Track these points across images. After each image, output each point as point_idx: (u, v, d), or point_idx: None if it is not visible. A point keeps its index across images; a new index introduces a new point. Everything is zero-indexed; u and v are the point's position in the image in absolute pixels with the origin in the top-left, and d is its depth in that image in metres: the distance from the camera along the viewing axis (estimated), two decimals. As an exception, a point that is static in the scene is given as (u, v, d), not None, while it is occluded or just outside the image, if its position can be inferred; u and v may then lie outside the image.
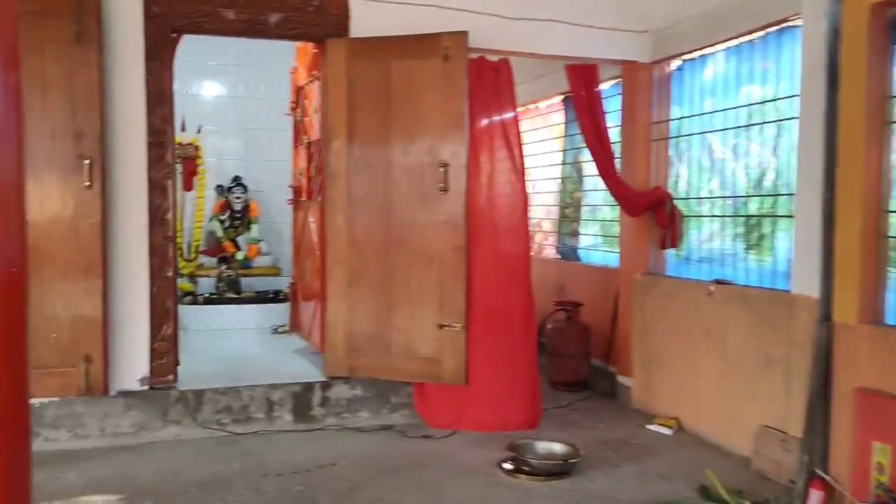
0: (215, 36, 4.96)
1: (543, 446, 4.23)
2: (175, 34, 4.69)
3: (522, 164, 4.92)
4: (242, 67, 8.39)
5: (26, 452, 1.53)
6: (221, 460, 4.27)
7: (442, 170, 4.64)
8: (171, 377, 4.67)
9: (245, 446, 4.50)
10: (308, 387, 4.88)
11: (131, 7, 4.50)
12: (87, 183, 4.28)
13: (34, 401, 4.35)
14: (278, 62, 7.95)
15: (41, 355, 4.29)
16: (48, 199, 4.23)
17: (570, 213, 6.75)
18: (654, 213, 5.29)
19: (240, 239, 7.89)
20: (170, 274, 4.67)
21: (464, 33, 4.63)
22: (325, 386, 4.90)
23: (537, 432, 4.70)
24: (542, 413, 4.87)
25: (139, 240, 4.57)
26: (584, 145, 6.33)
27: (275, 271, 7.78)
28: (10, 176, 1.50)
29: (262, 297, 7.28)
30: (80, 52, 4.27)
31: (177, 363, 4.74)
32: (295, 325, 6.13)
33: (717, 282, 4.69)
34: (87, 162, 4.27)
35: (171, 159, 4.66)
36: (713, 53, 4.97)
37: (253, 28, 4.77)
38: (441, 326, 4.67)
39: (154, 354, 4.64)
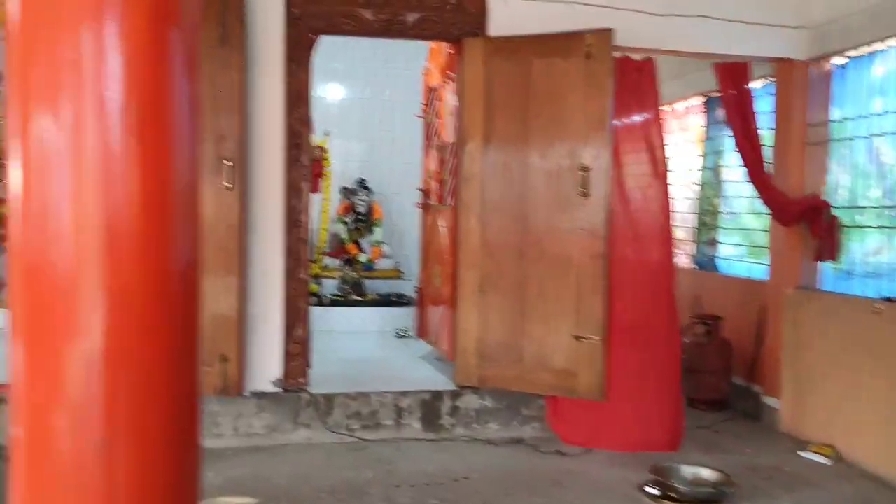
0: (353, 36, 4.92)
1: (690, 471, 3.94)
2: (313, 35, 4.67)
3: (665, 168, 4.64)
4: (368, 70, 8.42)
5: (198, 451, 1.49)
6: (352, 467, 4.20)
7: (582, 173, 4.43)
8: (302, 380, 4.66)
9: (375, 453, 4.42)
10: (437, 395, 4.76)
11: (273, 9, 4.51)
12: (228, 184, 4.31)
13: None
14: (404, 65, 7.94)
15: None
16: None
17: (708, 220, 6.38)
18: (808, 222, 4.89)
19: (363, 241, 7.91)
20: (303, 275, 4.66)
21: (608, 31, 4.40)
22: (455, 395, 4.77)
23: (679, 454, 4.40)
24: (684, 434, 4.56)
25: (274, 241, 4.58)
26: (727, 149, 5.97)
27: (396, 274, 7.75)
28: (191, 179, 1.47)
29: (385, 300, 7.25)
30: (222, 54, 4.30)
31: (308, 366, 4.72)
32: (421, 331, 6.04)
33: (887, 300, 4.27)
34: (228, 164, 4.30)
35: (307, 161, 4.65)
36: (885, 50, 4.53)
37: (390, 28, 4.70)
38: (577, 338, 4.45)
39: (287, 356, 4.63)
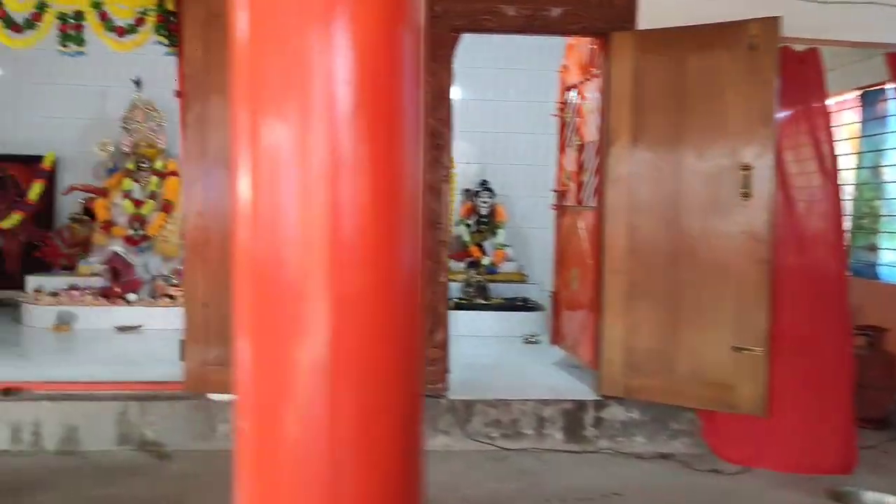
0: (494, 34, 4.80)
1: (874, 498, 3.60)
2: (455, 34, 4.57)
3: (835, 167, 4.29)
4: (489, 70, 8.28)
5: (421, 452, 1.42)
6: (496, 478, 4.07)
7: (744, 173, 4.14)
8: (441, 385, 4.56)
9: (517, 464, 4.27)
10: (580, 405, 4.56)
11: (416, 7, 4.43)
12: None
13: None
14: (530, 63, 7.76)
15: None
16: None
17: (866, 224, 5.92)
18: None
19: (485, 244, 7.77)
20: (443, 279, 4.56)
21: (775, 19, 4.10)
22: (599, 405, 4.56)
23: (853, 478, 4.05)
24: (858, 456, 4.20)
25: (415, 243, 4.49)
26: (889, 146, 5.53)
27: (520, 278, 7.58)
28: (417, 184, 1.38)
29: (510, 305, 7.09)
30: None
31: (447, 371, 4.61)
32: (556, 337, 5.85)
33: None
34: (371, 164, 4.25)
35: (447, 162, 4.55)
36: None
37: (533, 24, 4.55)
38: (737, 349, 4.16)
39: (427, 361, 4.55)
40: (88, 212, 7.52)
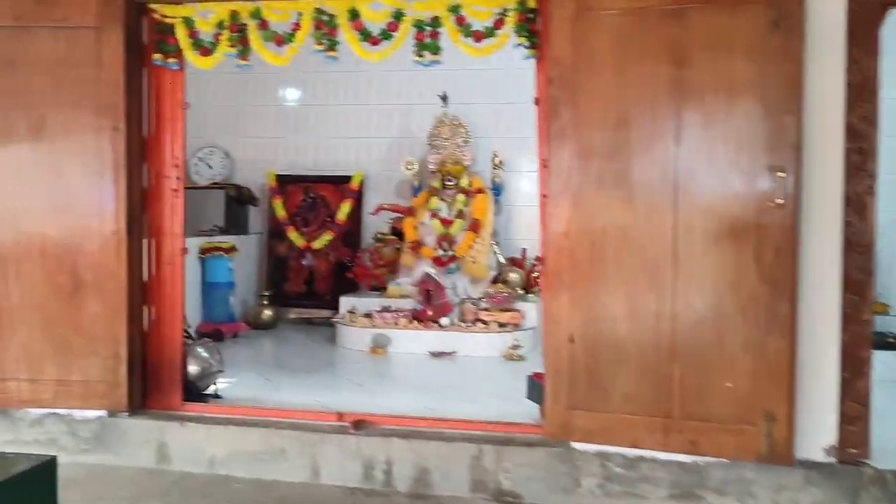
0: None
1: None
2: (882, 9, 3.66)
3: None
4: None
5: None
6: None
7: None
8: (862, 450, 3.64)
9: None
10: None
11: (834, -20, 3.59)
12: (780, 200, 3.47)
13: (698, 459, 3.69)
14: None
15: (713, 406, 3.61)
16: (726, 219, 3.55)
17: None
18: None
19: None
20: (866, 316, 3.64)
21: None
22: None
23: None
24: None
25: (830, 270, 3.63)
26: None
27: (882, 309, 6.35)
28: None
29: (880, 341, 5.88)
30: (775, 42, 3.49)
31: (869, 431, 3.68)
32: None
33: None
34: (781, 175, 3.47)
35: (872, 169, 3.64)
36: None
37: None
38: None
39: (843, 417, 3.65)
40: (395, 231, 7.42)
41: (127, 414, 4.33)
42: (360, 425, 4.18)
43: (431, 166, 7.24)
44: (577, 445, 3.88)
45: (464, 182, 7.07)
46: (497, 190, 7.30)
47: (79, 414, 4.36)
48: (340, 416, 4.27)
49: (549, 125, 3.86)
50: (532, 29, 4.00)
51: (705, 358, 3.63)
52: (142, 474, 4.19)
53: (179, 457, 4.26)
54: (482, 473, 3.96)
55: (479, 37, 4.03)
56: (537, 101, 4.08)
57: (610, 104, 3.75)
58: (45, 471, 2.96)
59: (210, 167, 8.01)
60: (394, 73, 7.70)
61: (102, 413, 4.34)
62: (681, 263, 3.61)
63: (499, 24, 4.01)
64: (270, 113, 8.25)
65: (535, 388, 4.29)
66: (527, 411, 4.37)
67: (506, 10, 3.99)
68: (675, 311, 3.62)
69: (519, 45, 3.99)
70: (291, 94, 8.20)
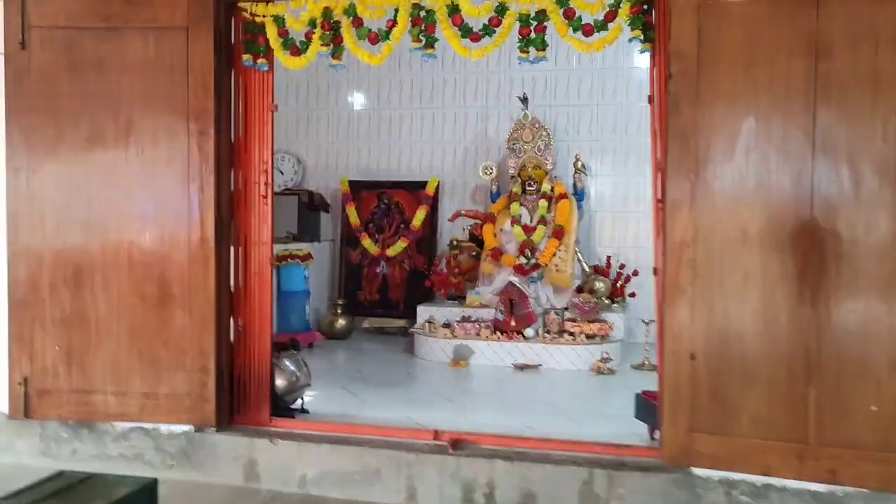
0: None
1: None
2: None
3: None
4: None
5: None
6: None
7: None
8: None
9: None
10: None
11: None
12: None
13: (836, 489, 3.35)
14: None
15: (855, 432, 3.27)
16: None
17: None
18: None
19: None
20: None
21: None
22: None
23: None
24: None
25: None
26: None
27: None
28: None
29: None
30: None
31: None
32: None
33: None
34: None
35: None
36: None
37: None
38: None
39: None
40: (474, 238, 7.18)
41: (214, 429, 4.16)
42: (458, 445, 3.94)
43: (511, 171, 6.98)
44: (698, 471, 3.58)
45: (546, 187, 6.79)
46: (580, 195, 7.00)
47: (165, 428, 4.21)
48: (437, 434, 4.03)
49: (668, 125, 3.57)
50: (647, 21, 3.71)
51: (847, 377, 3.30)
52: (230, 493, 4.01)
53: (269, 475, 4.07)
54: (593, 500, 3.68)
55: (588, 30, 3.76)
56: (651, 99, 3.80)
57: (736, 101, 3.45)
58: (146, 494, 2.79)
59: (282, 173, 7.89)
60: (470, 74, 7.49)
61: (189, 428, 4.18)
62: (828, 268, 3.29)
63: (610, 16, 3.73)
64: (342, 117, 8.08)
65: (647, 407, 4.00)
66: (634, 432, 4.08)
67: (618, 0, 3.72)
68: (820, 323, 3.30)
69: (632, 38, 3.70)
70: (363, 99, 8.02)
